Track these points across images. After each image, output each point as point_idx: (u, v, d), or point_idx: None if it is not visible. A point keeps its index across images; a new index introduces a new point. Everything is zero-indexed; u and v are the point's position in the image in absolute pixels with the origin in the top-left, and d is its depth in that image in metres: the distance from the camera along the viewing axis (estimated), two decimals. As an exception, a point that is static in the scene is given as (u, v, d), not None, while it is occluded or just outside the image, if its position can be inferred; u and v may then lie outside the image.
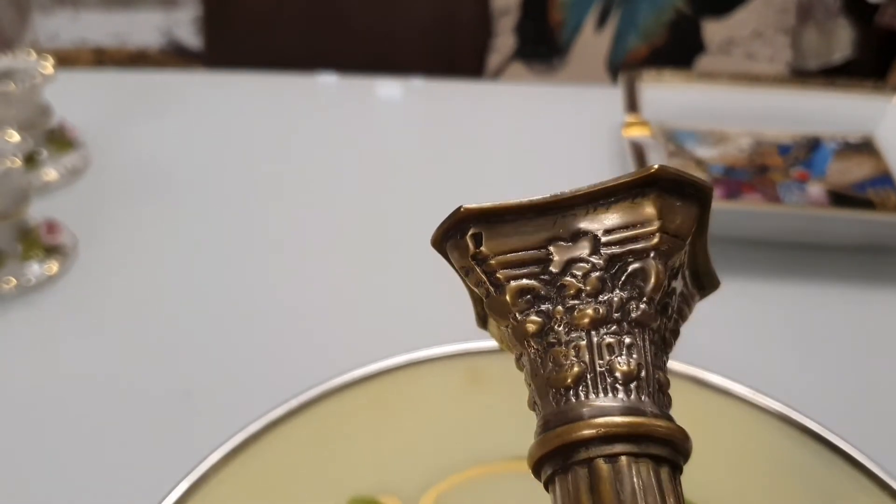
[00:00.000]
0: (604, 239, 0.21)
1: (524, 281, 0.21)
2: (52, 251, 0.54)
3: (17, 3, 1.36)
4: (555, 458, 0.20)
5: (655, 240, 0.20)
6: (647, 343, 0.20)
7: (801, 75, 1.11)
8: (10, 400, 0.46)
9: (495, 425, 0.38)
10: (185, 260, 0.56)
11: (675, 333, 0.22)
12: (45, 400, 0.46)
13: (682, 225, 0.20)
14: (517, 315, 0.21)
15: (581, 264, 0.21)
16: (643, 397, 0.20)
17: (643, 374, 0.20)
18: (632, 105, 0.64)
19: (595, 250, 0.21)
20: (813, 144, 0.64)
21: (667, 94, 0.66)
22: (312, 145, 0.69)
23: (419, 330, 0.47)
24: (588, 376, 0.20)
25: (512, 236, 0.21)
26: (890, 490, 0.35)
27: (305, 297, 0.53)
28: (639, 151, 0.58)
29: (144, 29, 1.34)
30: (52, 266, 0.53)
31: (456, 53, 1.12)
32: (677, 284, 0.22)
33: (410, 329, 0.49)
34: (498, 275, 0.21)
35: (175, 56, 1.27)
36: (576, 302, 0.21)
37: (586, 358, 0.20)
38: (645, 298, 0.20)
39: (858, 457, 0.36)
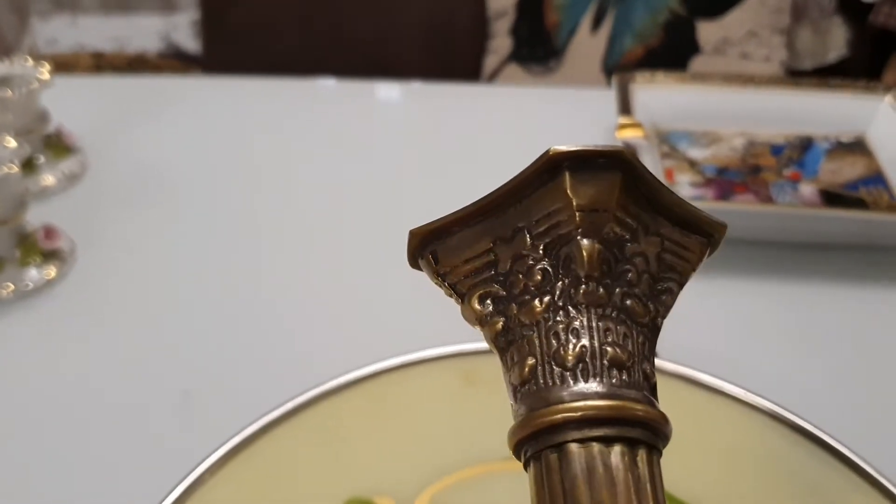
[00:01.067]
0: (535, 230, 0.21)
1: (482, 286, 0.22)
2: (49, 256, 0.54)
3: (16, 9, 1.36)
4: (531, 442, 0.20)
5: (577, 219, 0.20)
6: (596, 321, 0.20)
7: (795, 75, 1.11)
8: (10, 403, 0.47)
9: (489, 426, 0.38)
10: (183, 264, 0.57)
11: (655, 295, 0.22)
12: (43, 403, 0.47)
13: (599, 196, 0.20)
14: (485, 319, 0.22)
15: (523, 259, 0.21)
16: (614, 380, 0.20)
17: (599, 355, 0.20)
18: (625, 107, 0.65)
19: (532, 243, 0.21)
20: (805, 144, 0.64)
21: (660, 96, 0.67)
22: (311, 149, 0.70)
23: (415, 331, 0.48)
24: (540, 367, 0.20)
25: (462, 247, 0.22)
26: (881, 487, 0.35)
27: (302, 300, 0.54)
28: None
29: (143, 33, 1.34)
30: (50, 271, 0.54)
31: (453, 56, 1.12)
32: (643, 247, 0.21)
33: (406, 331, 0.50)
34: (460, 285, 0.22)
35: (174, 60, 1.28)
36: (526, 297, 0.21)
37: (538, 350, 0.20)
38: (583, 278, 0.20)
39: (850, 455, 0.36)
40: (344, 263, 0.57)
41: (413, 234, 0.22)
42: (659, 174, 0.60)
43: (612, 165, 0.21)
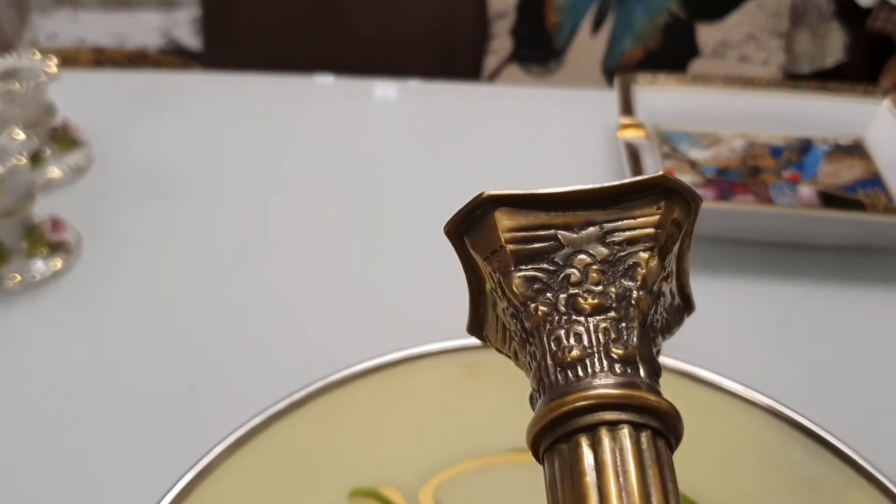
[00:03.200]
0: (492, 288, 0.23)
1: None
2: (56, 248, 0.54)
3: (17, 4, 1.36)
4: (550, 432, 0.21)
5: (491, 267, 0.22)
6: (547, 336, 0.22)
7: (793, 78, 1.12)
8: (16, 394, 0.47)
9: (492, 419, 0.39)
10: (187, 256, 0.57)
11: (616, 277, 0.23)
12: (49, 394, 0.47)
13: (489, 240, 0.22)
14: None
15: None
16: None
17: (555, 363, 0.21)
18: (626, 107, 0.65)
19: (497, 297, 0.23)
20: (804, 146, 0.65)
21: (661, 97, 0.67)
22: (310, 145, 0.70)
23: (418, 326, 0.48)
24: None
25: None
26: (879, 484, 0.36)
27: (306, 294, 0.54)
28: (633, 153, 0.59)
29: (143, 29, 1.34)
30: (57, 262, 0.54)
31: (453, 56, 1.13)
32: (578, 245, 0.23)
33: (409, 325, 0.50)
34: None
35: (174, 56, 1.28)
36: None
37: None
38: (521, 308, 0.22)
39: (848, 452, 0.37)
40: (345, 258, 0.57)
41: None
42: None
43: (486, 209, 0.23)
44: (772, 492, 0.37)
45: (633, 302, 0.22)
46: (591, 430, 0.20)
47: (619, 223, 0.22)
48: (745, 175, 0.62)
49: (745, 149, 0.64)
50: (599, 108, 0.70)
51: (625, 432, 0.20)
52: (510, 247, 0.22)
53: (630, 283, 0.22)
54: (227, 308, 0.53)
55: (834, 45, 1.14)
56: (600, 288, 0.22)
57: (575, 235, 0.22)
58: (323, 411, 0.39)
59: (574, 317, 0.22)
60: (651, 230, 0.22)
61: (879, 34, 1.10)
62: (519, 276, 0.22)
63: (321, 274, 0.56)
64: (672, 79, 0.69)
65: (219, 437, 0.37)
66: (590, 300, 0.22)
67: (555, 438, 0.20)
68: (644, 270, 0.22)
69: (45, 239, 0.54)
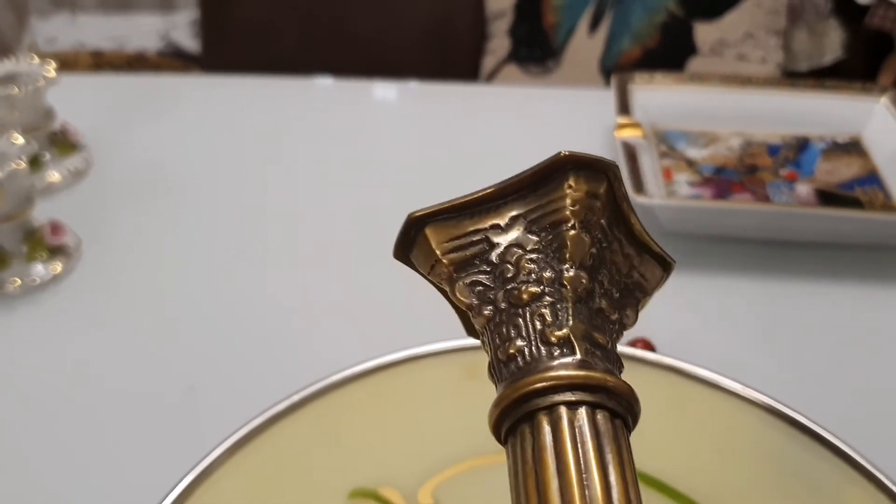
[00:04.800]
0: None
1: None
2: (56, 251, 0.55)
3: (15, 7, 1.37)
4: (510, 414, 0.21)
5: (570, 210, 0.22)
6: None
7: (791, 76, 1.12)
8: (17, 397, 0.47)
9: (491, 419, 0.39)
10: (187, 259, 0.57)
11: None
12: (50, 397, 0.47)
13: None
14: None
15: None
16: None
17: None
18: (623, 107, 0.65)
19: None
20: (802, 144, 0.65)
21: (658, 96, 0.67)
22: (309, 147, 0.70)
23: (417, 327, 0.48)
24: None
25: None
26: (875, 480, 0.36)
27: (305, 295, 0.54)
28: (631, 152, 0.60)
29: (142, 32, 1.34)
30: (56, 266, 0.54)
31: (451, 56, 1.13)
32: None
33: (408, 326, 0.50)
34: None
35: (173, 59, 1.28)
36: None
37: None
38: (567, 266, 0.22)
39: (845, 448, 0.37)
40: (344, 259, 0.58)
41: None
42: (657, 173, 0.61)
43: (418, 228, 0.24)
44: (769, 489, 0.37)
45: (563, 282, 0.22)
46: (530, 420, 0.20)
47: (540, 210, 0.23)
48: (743, 173, 0.62)
49: (742, 147, 0.65)
50: (597, 108, 0.71)
51: (561, 413, 0.20)
52: (446, 259, 0.23)
53: (560, 265, 0.22)
54: (226, 310, 0.53)
55: (832, 43, 1.14)
56: (534, 276, 0.22)
57: (503, 232, 0.23)
58: (323, 412, 0.39)
59: (513, 310, 0.22)
60: (568, 209, 0.22)
61: (877, 31, 1.10)
62: (460, 284, 0.23)
63: (320, 275, 0.56)
64: (669, 78, 0.69)
65: (219, 439, 0.37)
66: (525, 290, 0.22)
67: (504, 436, 0.21)
68: (569, 249, 0.22)
69: (44, 243, 0.54)
